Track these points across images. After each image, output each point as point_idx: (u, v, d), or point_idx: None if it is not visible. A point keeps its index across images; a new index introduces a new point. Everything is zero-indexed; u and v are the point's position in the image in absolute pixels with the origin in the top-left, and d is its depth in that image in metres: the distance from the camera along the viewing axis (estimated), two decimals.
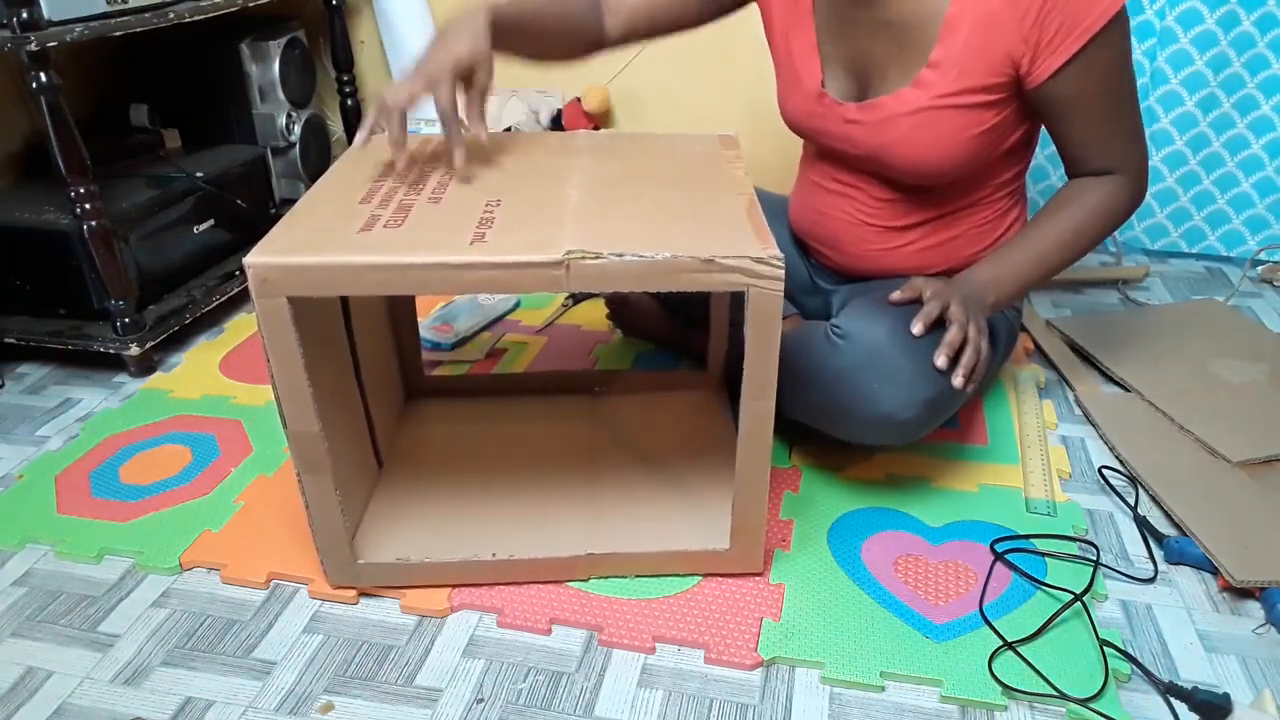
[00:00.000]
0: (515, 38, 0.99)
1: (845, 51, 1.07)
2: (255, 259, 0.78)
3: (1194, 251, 1.82)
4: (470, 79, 0.93)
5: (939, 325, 0.98)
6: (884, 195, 1.11)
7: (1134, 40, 1.68)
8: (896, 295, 1.01)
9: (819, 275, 1.27)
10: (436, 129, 1.85)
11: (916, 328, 0.96)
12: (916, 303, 1.00)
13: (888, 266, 1.16)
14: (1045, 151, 1.76)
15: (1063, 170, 1.09)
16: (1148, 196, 1.77)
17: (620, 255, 0.79)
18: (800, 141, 1.22)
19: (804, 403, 1.05)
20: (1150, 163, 1.74)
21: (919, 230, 1.12)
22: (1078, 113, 0.99)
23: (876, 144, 1.05)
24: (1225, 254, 1.79)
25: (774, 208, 1.28)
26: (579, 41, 1.11)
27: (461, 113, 0.92)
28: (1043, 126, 1.06)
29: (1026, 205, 1.19)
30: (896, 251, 1.14)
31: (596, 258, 0.79)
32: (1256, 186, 1.72)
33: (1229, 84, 1.67)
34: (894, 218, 1.12)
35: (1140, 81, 1.71)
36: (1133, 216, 1.79)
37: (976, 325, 0.98)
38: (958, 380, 0.96)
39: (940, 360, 0.95)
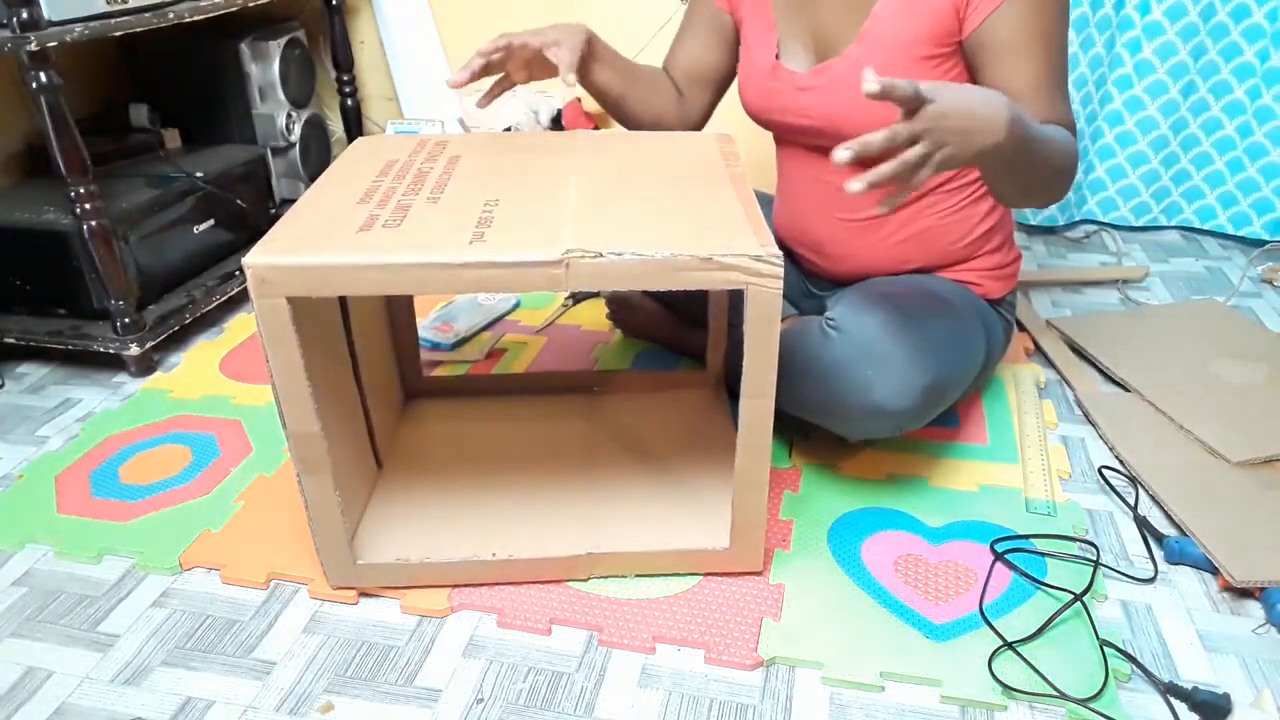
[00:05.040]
0: (604, 67, 1.13)
1: (800, 26, 1.09)
2: (254, 259, 0.78)
3: (1172, 224, 1.91)
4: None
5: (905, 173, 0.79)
6: None
7: (1116, 33, 1.73)
8: (872, 86, 0.72)
9: (810, 282, 1.27)
10: (436, 129, 1.86)
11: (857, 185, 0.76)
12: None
13: (870, 265, 1.16)
14: None
15: None
16: (1134, 179, 1.87)
17: (619, 254, 0.79)
18: None
19: (799, 396, 1.05)
20: (1136, 146, 1.82)
21: (892, 222, 1.12)
22: (1014, 55, 0.97)
23: (828, 110, 1.06)
24: (1199, 226, 1.89)
25: (770, 208, 1.28)
26: (664, 107, 1.22)
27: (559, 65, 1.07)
28: None
29: None
30: (875, 248, 1.14)
31: (596, 256, 0.79)
32: (1229, 165, 1.81)
33: (1206, 70, 1.75)
34: (863, 206, 1.12)
35: (1123, 71, 1.77)
36: (1117, 197, 1.88)
37: (925, 149, 0.77)
38: (855, 185, 0.76)
39: (854, 185, 0.76)
